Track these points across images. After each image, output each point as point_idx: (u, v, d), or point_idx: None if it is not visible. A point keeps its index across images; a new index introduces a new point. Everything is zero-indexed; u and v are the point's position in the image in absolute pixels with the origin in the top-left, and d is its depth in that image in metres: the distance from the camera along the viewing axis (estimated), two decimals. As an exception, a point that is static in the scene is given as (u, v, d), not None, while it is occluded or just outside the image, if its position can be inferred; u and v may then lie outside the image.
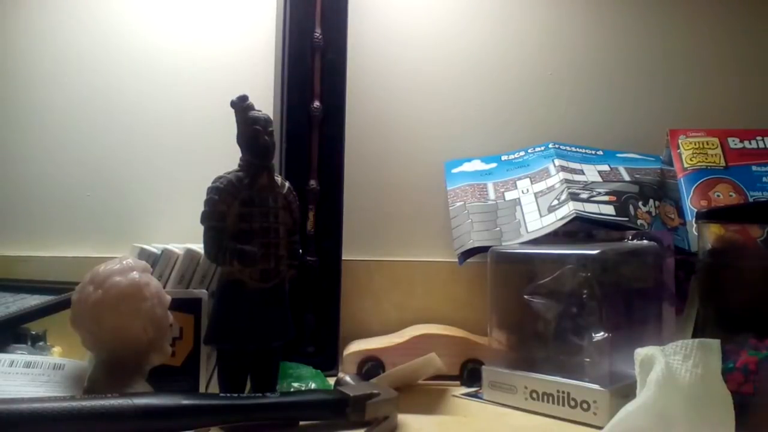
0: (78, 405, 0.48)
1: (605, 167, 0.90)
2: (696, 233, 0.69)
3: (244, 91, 0.62)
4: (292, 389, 0.66)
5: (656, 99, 0.99)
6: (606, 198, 0.81)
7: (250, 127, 0.61)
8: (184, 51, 0.92)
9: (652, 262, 0.70)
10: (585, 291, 0.65)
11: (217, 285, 0.63)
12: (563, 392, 0.63)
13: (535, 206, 0.84)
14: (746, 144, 0.87)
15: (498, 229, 0.84)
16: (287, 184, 0.65)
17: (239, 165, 0.62)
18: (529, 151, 0.94)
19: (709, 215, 0.67)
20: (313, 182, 0.83)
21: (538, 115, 0.98)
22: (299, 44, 0.83)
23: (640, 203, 0.82)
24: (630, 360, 0.55)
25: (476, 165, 0.95)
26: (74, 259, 0.85)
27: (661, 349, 0.53)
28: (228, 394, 0.57)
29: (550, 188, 0.86)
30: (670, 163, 0.89)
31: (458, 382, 0.76)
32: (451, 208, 0.90)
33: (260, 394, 0.57)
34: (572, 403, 0.62)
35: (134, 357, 0.57)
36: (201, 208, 0.60)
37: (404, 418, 0.61)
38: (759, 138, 0.87)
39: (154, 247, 0.70)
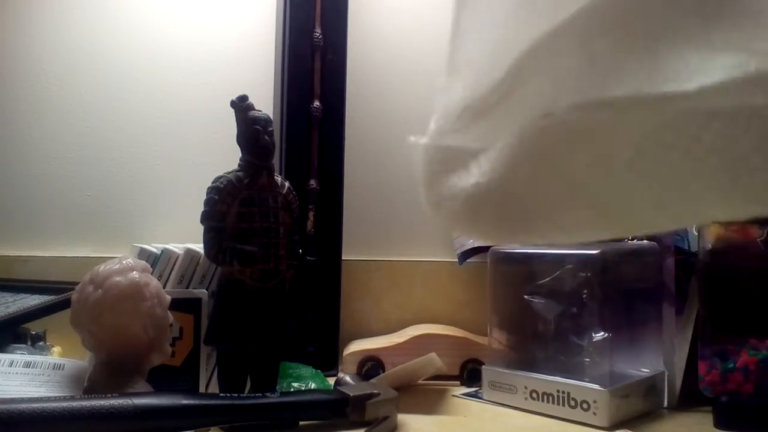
0: (78, 405, 0.48)
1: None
2: (696, 233, 0.69)
3: (244, 91, 0.62)
4: (292, 389, 0.66)
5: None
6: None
7: (250, 127, 0.61)
8: (183, 51, 0.92)
9: (652, 262, 0.70)
10: (585, 291, 0.65)
11: (217, 285, 0.63)
12: (563, 392, 0.63)
13: (535, 206, 0.84)
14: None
15: (498, 229, 0.84)
16: (287, 184, 0.65)
17: (239, 165, 0.62)
18: (529, 151, 0.94)
19: (709, 215, 0.67)
20: (313, 182, 0.83)
21: (538, 115, 0.98)
22: (299, 44, 0.83)
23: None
24: (630, 360, 0.55)
25: (476, 165, 0.95)
26: (74, 259, 0.85)
27: None
28: (228, 394, 0.56)
29: (550, 188, 0.85)
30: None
31: (458, 382, 0.76)
32: (451, 208, 0.90)
33: (260, 394, 0.57)
34: (572, 403, 0.62)
35: (134, 357, 0.57)
36: (201, 208, 0.60)
37: (404, 418, 0.61)
38: (759, 138, 0.87)
39: (154, 247, 0.70)
